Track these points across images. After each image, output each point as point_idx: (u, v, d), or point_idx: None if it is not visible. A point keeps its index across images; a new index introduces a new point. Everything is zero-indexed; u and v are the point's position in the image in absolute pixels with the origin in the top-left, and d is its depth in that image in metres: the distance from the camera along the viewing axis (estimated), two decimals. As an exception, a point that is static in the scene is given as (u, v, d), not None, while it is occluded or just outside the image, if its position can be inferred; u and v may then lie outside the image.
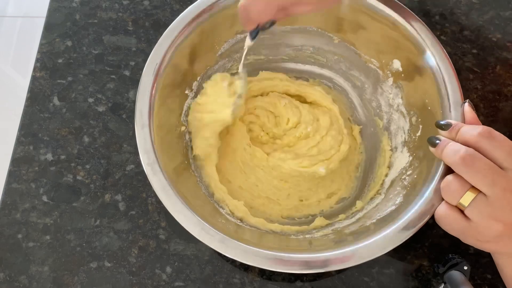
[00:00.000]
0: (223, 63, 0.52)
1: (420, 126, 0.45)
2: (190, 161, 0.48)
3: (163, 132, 0.43)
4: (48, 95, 0.53)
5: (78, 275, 0.45)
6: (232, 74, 0.50)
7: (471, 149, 0.34)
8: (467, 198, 0.34)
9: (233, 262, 0.45)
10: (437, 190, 0.37)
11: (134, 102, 0.41)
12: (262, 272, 0.45)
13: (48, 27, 0.57)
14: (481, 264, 0.46)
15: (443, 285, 0.43)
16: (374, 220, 0.41)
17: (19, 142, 0.51)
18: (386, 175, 0.47)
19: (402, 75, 0.48)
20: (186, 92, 0.49)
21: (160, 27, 0.57)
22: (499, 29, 0.58)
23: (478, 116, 0.39)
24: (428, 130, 0.43)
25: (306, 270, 0.36)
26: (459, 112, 0.40)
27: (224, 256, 0.36)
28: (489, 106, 0.53)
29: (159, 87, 0.43)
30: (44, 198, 0.48)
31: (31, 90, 0.53)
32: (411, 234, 0.36)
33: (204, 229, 0.37)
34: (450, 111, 0.40)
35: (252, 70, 0.54)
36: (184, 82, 0.48)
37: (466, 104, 0.40)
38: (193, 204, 0.39)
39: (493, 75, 0.55)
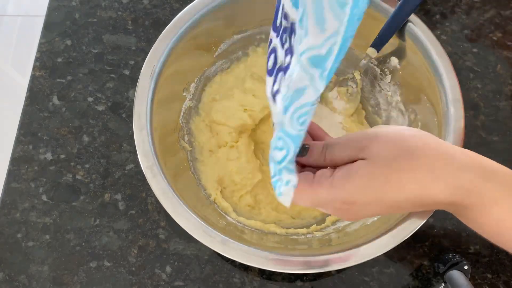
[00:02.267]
0: (220, 64, 0.52)
1: (419, 123, 0.45)
2: (190, 163, 0.48)
3: (162, 134, 0.43)
4: (48, 94, 0.53)
5: (77, 274, 0.45)
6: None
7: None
8: None
9: (233, 261, 0.45)
10: None
11: (133, 101, 0.41)
12: (262, 272, 0.45)
13: (48, 26, 0.57)
14: (482, 264, 0.46)
15: (443, 284, 0.43)
16: (375, 219, 0.41)
17: (18, 141, 0.50)
18: None
19: (400, 72, 0.47)
20: (184, 94, 0.49)
21: (160, 26, 0.57)
22: (500, 28, 0.58)
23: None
24: (427, 127, 0.43)
25: (307, 270, 0.35)
26: (458, 109, 0.40)
27: (224, 255, 0.36)
28: (490, 105, 0.53)
29: (157, 90, 0.42)
30: (44, 198, 0.48)
31: (30, 89, 0.53)
32: (412, 232, 0.36)
33: (205, 231, 0.36)
34: (448, 108, 0.40)
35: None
36: (182, 84, 0.48)
37: None
38: (193, 205, 0.39)
39: (494, 74, 0.55)
